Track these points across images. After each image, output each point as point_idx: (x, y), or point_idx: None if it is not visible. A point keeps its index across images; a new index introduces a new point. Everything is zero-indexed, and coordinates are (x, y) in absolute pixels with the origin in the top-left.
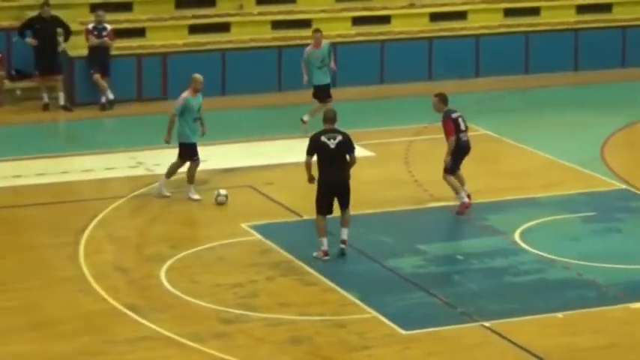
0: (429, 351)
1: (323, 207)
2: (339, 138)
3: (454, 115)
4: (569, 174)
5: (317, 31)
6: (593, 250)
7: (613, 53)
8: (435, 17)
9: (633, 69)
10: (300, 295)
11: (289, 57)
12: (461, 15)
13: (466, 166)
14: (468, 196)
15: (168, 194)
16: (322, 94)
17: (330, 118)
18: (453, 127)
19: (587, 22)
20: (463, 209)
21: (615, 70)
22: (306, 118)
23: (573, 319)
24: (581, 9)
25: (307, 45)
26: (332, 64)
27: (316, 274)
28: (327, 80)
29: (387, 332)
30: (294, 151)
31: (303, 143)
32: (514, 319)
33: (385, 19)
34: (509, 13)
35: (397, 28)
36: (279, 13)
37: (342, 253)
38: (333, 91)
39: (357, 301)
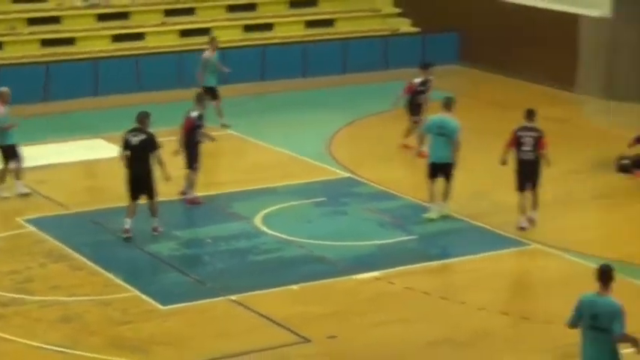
0: (185, 323)
1: (129, 194)
2: (142, 137)
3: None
4: (303, 166)
5: (214, 38)
6: (324, 231)
7: (336, 61)
8: (184, 33)
9: (353, 74)
10: (70, 279)
11: (56, 71)
12: (206, 31)
13: (213, 162)
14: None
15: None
16: (212, 94)
17: (137, 118)
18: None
19: (314, 35)
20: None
21: (338, 75)
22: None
23: (307, 290)
24: (309, 24)
25: (74, 60)
26: (224, 68)
27: (84, 259)
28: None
29: (147, 308)
30: (60, 153)
31: (67, 146)
32: (256, 292)
33: (140, 36)
34: (248, 28)
35: (151, 43)
36: (47, 32)
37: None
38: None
39: (121, 282)
